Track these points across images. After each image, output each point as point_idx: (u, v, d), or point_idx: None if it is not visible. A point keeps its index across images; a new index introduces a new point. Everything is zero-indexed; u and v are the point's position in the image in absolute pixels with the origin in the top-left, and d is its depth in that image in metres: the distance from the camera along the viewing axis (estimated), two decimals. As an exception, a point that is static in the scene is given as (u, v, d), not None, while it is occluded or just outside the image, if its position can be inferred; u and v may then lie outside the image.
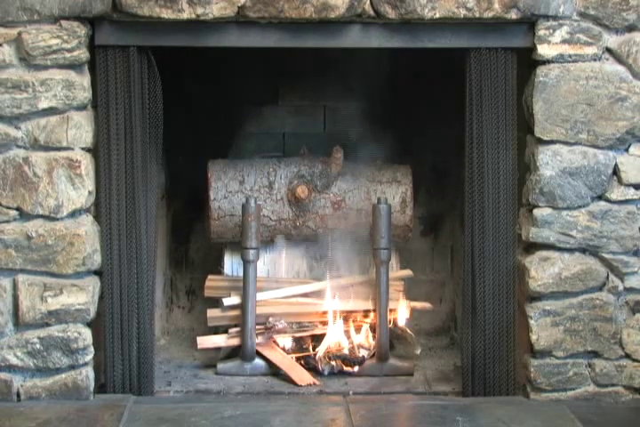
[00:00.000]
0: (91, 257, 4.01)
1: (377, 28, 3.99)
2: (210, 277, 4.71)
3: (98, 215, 4.08)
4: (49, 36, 3.88)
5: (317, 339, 4.60)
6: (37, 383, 4.04)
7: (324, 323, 4.61)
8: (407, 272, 4.75)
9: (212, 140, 4.85)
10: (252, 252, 4.44)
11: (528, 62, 4.04)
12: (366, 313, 4.63)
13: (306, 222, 4.68)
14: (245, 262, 4.46)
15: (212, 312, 4.61)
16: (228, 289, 4.61)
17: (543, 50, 3.98)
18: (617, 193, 4.05)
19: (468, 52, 4.04)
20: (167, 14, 3.88)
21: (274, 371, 4.46)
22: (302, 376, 4.39)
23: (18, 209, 3.97)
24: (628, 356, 4.12)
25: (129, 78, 4.01)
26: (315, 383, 4.36)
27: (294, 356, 4.52)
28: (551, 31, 3.96)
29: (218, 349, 4.61)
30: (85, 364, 4.05)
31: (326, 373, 4.45)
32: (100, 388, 4.13)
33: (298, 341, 4.59)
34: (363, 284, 4.66)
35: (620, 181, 4.04)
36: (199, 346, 4.58)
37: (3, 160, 3.94)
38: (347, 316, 4.62)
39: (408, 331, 4.61)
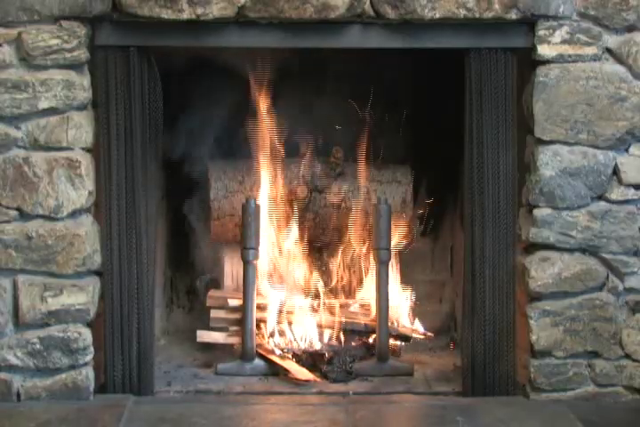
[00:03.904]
0: (91, 257, 4.01)
1: (377, 28, 3.99)
2: (211, 292, 4.74)
3: (98, 215, 4.08)
4: (49, 37, 3.88)
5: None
6: (37, 383, 4.04)
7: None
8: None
9: (212, 140, 4.85)
10: (251, 252, 4.44)
11: (528, 62, 4.04)
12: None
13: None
14: (245, 263, 4.47)
15: (216, 313, 4.62)
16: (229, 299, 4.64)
17: (543, 50, 3.98)
18: (617, 193, 4.05)
19: (467, 52, 4.04)
20: (167, 14, 3.87)
21: (274, 371, 4.46)
22: (302, 372, 4.39)
23: (18, 209, 3.97)
24: (627, 356, 4.12)
25: (129, 78, 4.01)
26: (315, 380, 4.36)
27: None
28: (551, 31, 3.96)
29: (218, 348, 4.63)
30: (85, 364, 4.05)
31: (333, 376, 4.44)
32: (100, 388, 4.13)
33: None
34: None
35: (620, 182, 4.04)
36: (198, 339, 4.60)
37: (3, 160, 3.95)
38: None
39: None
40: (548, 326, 4.08)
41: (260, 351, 4.50)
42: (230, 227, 4.67)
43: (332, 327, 4.62)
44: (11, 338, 4.01)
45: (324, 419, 3.92)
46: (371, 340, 4.61)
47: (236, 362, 4.49)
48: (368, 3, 3.92)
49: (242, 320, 4.49)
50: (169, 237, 5.06)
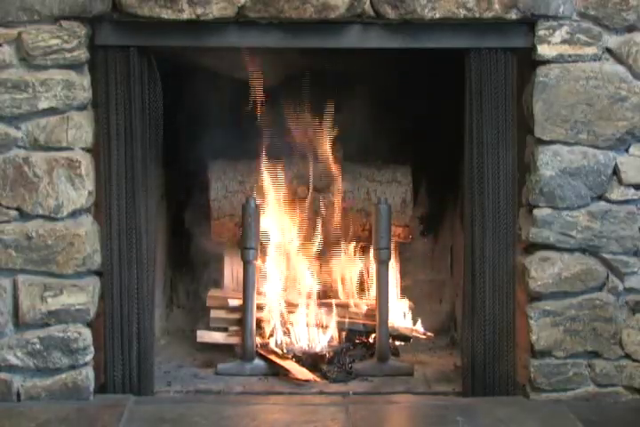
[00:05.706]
0: (91, 257, 4.01)
1: (377, 28, 3.99)
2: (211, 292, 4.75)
3: (98, 215, 4.08)
4: (49, 37, 3.88)
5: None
6: (37, 383, 4.04)
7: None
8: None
9: (211, 140, 4.85)
10: (251, 252, 4.44)
11: (528, 62, 4.04)
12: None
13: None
14: (245, 263, 4.47)
15: (216, 313, 4.62)
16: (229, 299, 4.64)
17: (543, 50, 3.98)
18: (617, 193, 4.05)
19: (467, 52, 4.04)
20: (167, 14, 3.87)
21: (274, 371, 4.46)
22: (302, 372, 4.39)
23: (18, 209, 3.97)
24: (628, 356, 4.12)
25: (129, 78, 4.01)
26: (315, 380, 4.36)
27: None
28: (551, 31, 3.97)
29: (218, 348, 4.63)
30: (85, 364, 4.05)
31: (333, 376, 4.44)
32: (100, 388, 4.13)
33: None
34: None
35: (619, 182, 4.05)
36: (198, 339, 4.61)
37: (3, 160, 3.95)
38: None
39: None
40: (548, 326, 4.08)
41: (260, 351, 4.50)
42: (230, 227, 4.67)
43: (332, 327, 4.63)
44: (11, 338, 4.01)
45: (323, 419, 3.92)
46: (371, 340, 4.62)
47: (236, 362, 4.49)
48: (368, 3, 3.92)
49: (242, 320, 4.49)
50: (169, 237, 5.06)
